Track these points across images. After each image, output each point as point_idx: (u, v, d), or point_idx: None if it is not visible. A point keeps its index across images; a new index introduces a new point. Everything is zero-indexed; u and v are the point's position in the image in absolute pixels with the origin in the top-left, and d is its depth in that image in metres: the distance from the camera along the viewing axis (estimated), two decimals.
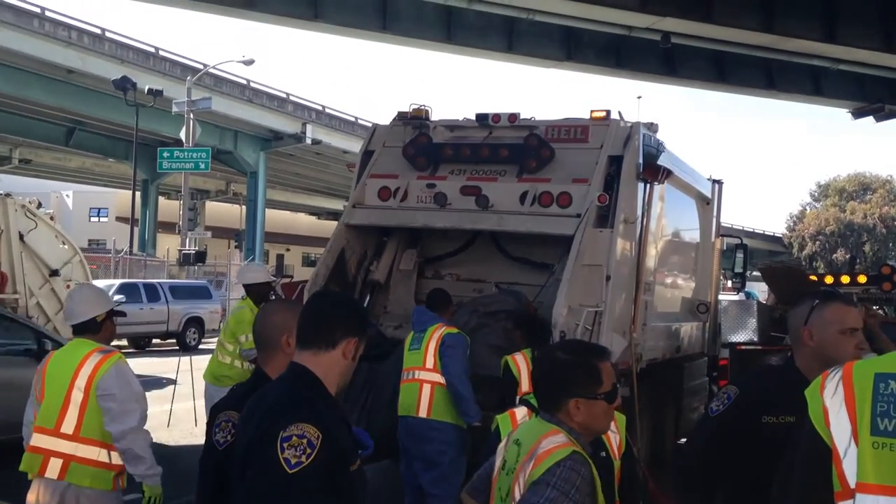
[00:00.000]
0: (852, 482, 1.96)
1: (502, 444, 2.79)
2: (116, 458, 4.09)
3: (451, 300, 6.37)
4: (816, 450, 2.03)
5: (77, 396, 4.03)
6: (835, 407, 2.02)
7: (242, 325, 7.15)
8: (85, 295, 4.44)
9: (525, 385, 5.60)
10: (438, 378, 5.77)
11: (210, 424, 2.87)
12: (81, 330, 4.27)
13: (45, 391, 4.16)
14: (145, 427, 4.13)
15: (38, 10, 27.69)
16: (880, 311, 9.96)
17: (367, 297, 7.81)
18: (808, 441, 2.07)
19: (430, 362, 5.81)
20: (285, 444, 2.19)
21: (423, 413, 5.78)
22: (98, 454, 4.05)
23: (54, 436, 4.05)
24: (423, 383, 5.82)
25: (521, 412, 3.65)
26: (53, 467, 4.02)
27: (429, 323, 6.00)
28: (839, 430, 2.00)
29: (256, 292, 7.59)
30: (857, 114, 24.68)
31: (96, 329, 4.24)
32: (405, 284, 7.93)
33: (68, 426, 4.04)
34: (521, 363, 5.71)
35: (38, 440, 4.11)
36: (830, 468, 2.00)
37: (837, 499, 1.99)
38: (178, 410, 11.28)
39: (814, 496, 2.05)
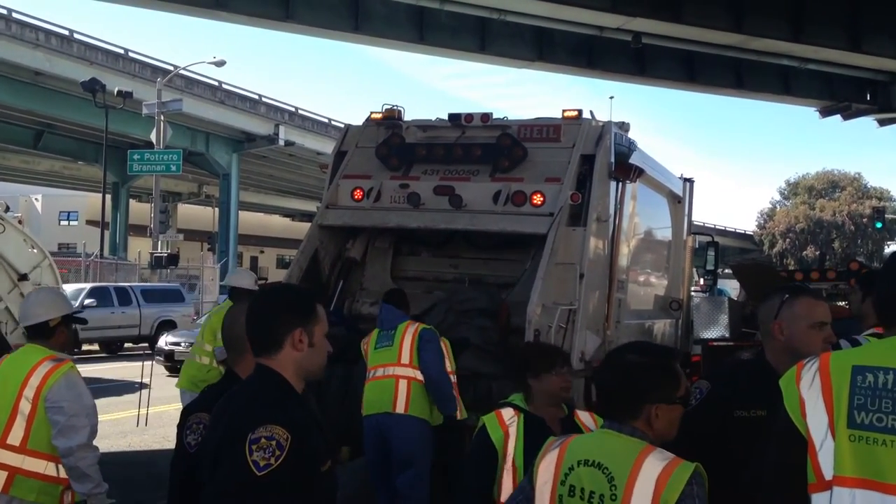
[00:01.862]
0: (828, 474, 1.96)
1: (549, 466, 2.47)
2: (66, 472, 3.90)
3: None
4: (791, 441, 2.03)
5: (25, 407, 3.84)
6: (811, 398, 2.02)
7: None
8: (41, 298, 4.23)
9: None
10: (415, 374, 5.74)
11: (181, 427, 2.85)
12: (34, 334, 4.07)
13: None
14: (94, 442, 3.93)
15: (4, 11, 27.29)
16: (848, 307, 10.09)
17: (342, 278, 7.81)
18: (782, 431, 2.07)
19: (405, 358, 5.76)
20: (254, 446, 2.18)
21: (400, 409, 5.71)
22: (45, 468, 3.87)
23: (0, 447, 3.86)
24: (400, 379, 5.76)
25: (507, 413, 3.64)
26: None
27: (398, 320, 5.96)
28: (815, 421, 2.00)
29: (239, 297, 7.54)
30: (825, 112, 25.04)
31: (48, 334, 4.04)
32: (381, 261, 7.95)
33: (15, 437, 3.85)
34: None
35: None
36: (805, 459, 2.00)
37: (811, 490, 1.99)
38: (151, 414, 11.17)
39: (788, 487, 2.05)
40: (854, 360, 2.04)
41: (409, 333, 5.85)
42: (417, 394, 5.74)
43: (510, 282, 7.28)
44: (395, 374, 5.78)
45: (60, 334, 4.09)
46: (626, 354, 2.54)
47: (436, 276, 7.60)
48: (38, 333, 4.06)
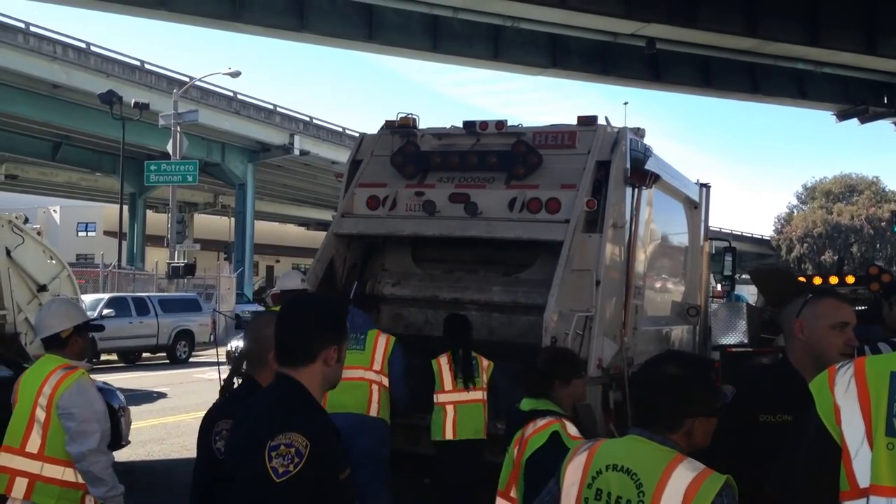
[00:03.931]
0: (863, 482, 1.92)
1: (577, 468, 2.47)
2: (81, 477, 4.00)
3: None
4: (823, 447, 1.99)
5: (40, 415, 3.96)
6: (847, 404, 1.97)
7: None
8: (53, 309, 4.35)
9: (448, 384, 6.17)
10: (383, 380, 5.89)
11: (206, 433, 2.84)
12: (49, 345, 4.19)
13: (15, 408, 4.10)
14: (106, 448, 4.03)
15: (22, 24, 27.58)
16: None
17: (364, 260, 7.96)
18: (813, 437, 2.03)
19: (377, 364, 5.90)
20: (273, 453, 2.19)
21: (373, 412, 5.84)
22: (63, 473, 3.97)
23: (20, 455, 3.97)
24: (372, 383, 5.87)
25: (573, 429, 3.59)
26: (19, 487, 3.94)
27: (368, 326, 6.06)
28: (851, 428, 1.95)
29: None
30: (842, 116, 24.90)
31: (62, 344, 4.15)
32: (402, 243, 8.03)
33: (33, 445, 3.97)
34: (443, 364, 6.20)
35: (4, 459, 4.03)
36: (838, 465, 1.96)
37: (844, 497, 1.96)
38: (170, 424, 11.22)
39: (818, 494, 2.02)
40: (893, 365, 1.98)
41: (381, 342, 5.95)
42: (384, 398, 5.91)
43: (527, 262, 7.36)
44: (369, 379, 5.87)
45: (74, 343, 4.19)
46: (666, 366, 2.49)
47: (455, 257, 7.81)
48: (53, 344, 4.17)
